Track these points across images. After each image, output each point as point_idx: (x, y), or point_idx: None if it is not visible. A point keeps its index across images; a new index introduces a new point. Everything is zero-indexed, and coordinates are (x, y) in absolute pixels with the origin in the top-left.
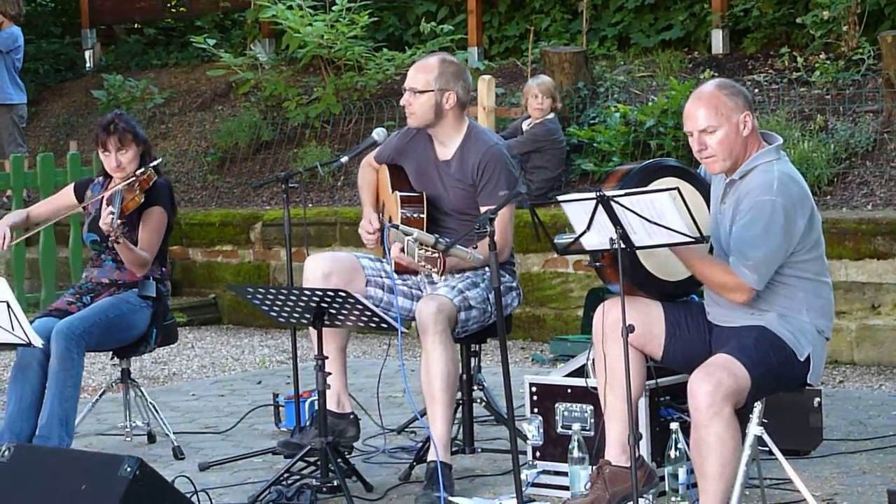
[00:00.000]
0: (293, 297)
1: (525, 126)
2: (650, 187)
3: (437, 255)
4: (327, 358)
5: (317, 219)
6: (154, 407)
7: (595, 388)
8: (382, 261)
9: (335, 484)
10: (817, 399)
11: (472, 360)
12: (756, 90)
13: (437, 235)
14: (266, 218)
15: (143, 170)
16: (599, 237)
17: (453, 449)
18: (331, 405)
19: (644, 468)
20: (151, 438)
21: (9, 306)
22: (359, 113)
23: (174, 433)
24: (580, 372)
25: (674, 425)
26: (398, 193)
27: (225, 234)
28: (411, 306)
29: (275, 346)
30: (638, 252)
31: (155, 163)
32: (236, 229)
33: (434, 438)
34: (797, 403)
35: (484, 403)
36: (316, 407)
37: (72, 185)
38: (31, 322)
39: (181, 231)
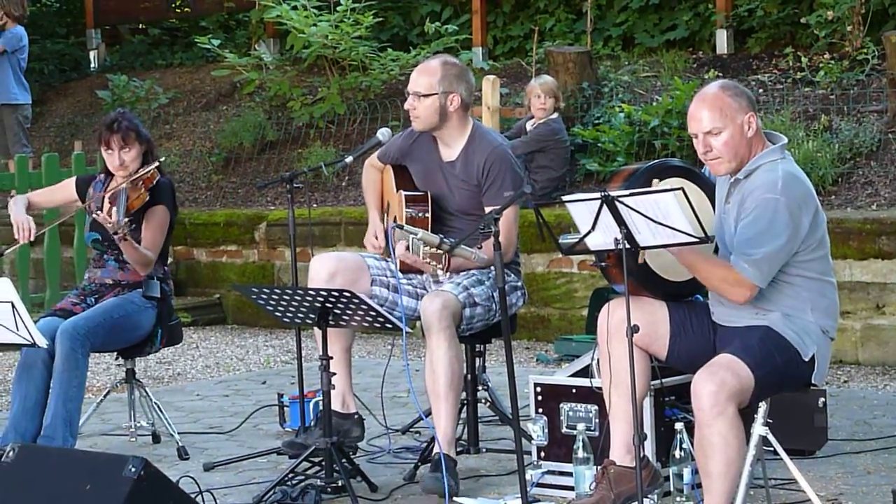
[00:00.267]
0: (298, 297)
1: (529, 126)
2: (655, 187)
3: (441, 254)
4: (332, 358)
5: (321, 219)
6: (158, 407)
7: (600, 388)
8: (387, 260)
9: (340, 484)
10: (822, 399)
11: (477, 360)
12: (760, 90)
13: (441, 235)
14: (270, 218)
15: (147, 168)
16: (604, 237)
17: (458, 449)
18: (336, 405)
19: (649, 468)
20: (156, 438)
21: (13, 306)
22: (363, 113)
23: (179, 433)
24: (585, 372)
25: (678, 425)
26: (403, 193)
27: (229, 234)
28: (416, 306)
29: (279, 346)
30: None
31: (158, 161)
32: (241, 229)
33: (438, 436)
34: (802, 403)
35: (489, 403)
36: (321, 407)
37: (73, 179)
38: (35, 322)
39: (186, 231)
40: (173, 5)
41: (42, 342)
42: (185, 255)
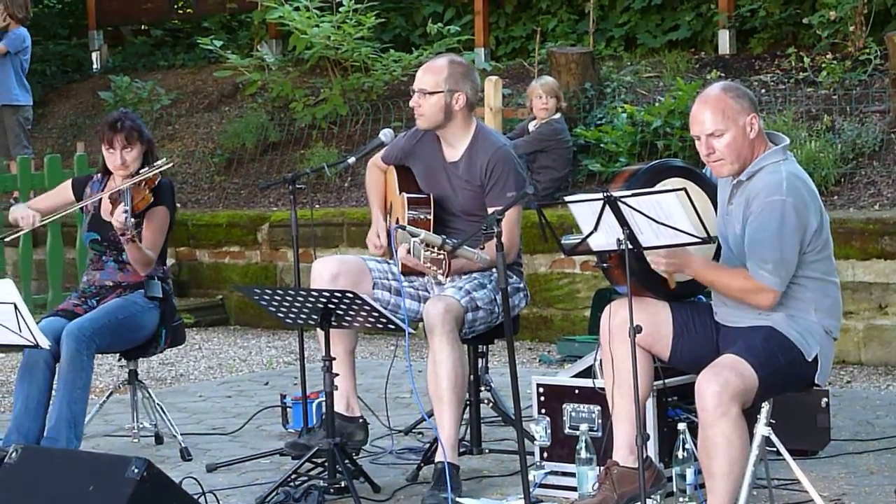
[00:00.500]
0: (300, 299)
1: (531, 127)
2: (657, 188)
3: (442, 256)
4: (335, 359)
5: (324, 220)
6: (161, 408)
7: (602, 389)
8: (389, 263)
9: (342, 485)
10: (825, 399)
11: (480, 360)
12: (763, 90)
13: (443, 237)
14: (273, 219)
15: (152, 170)
16: (606, 238)
17: (461, 450)
18: (339, 407)
19: (652, 469)
20: (159, 440)
21: (16, 307)
22: (366, 114)
23: (181, 434)
24: (587, 372)
25: (681, 426)
26: (405, 195)
27: (232, 235)
28: (418, 307)
29: (282, 347)
30: (645, 252)
31: (160, 162)
32: (243, 230)
33: (442, 439)
34: (805, 404)
35: (491, 404)
36: (323, 408)
37: (69, 181)
38: (37, 323)
39: (188, 232)
40: (175, 6)
41: (44, 343)
42: (187, 256)
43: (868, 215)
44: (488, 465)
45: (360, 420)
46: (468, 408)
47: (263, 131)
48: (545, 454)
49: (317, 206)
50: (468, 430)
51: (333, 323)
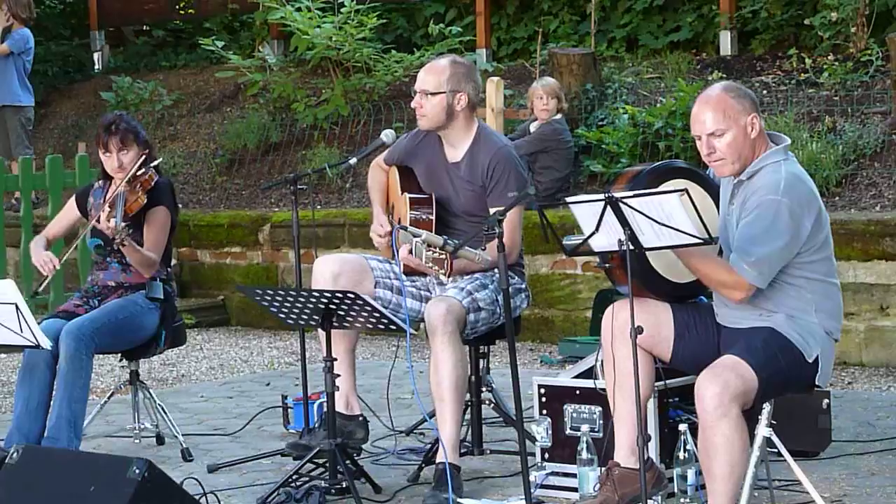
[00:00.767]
0: (302, 299)
1: (533, 128)
2: (659, 189)
3: (444, 256)
4: (336, 360)
5: (325, 220)
6: (162, 409)
7: (604, 390)
8: (391, 262)
9: (344, 485)
10: (826, 400)
11: (481, 361)
12: (764, 91)
13: (445, 237)
14: (275, 219)
15: (143, 170)
16: (608, 238)
17: (462, 450)
18: (339, 407)
19: (653, 470)
20: (160, 440)
21: (17, 308)
22: (367, 114)
23: (183, 435)
24: (589, 373)
25: (682, 427)
26: (407, 195)
27: (233, 235)
28: (420, 307)
29: (283, 347)
30: (647, 253)
31: (155, 163)
32: (245, 231)
33: (443, 440)
34: (806, 405)
35: (493, 405)
36: (325, 409)
37: (73, 199)
38: (38, 324)
39: (189, 233)
40: (177, 7)
41: (46, 343)
42: (189, 256)
43: (869, 216)
44: (489, 465)
45: (360, 418)
46: (469, 408)
47: (265, 132)
48: (546, 455)
49: (318, 206)
50: (469, 431)
51: (335, 323)
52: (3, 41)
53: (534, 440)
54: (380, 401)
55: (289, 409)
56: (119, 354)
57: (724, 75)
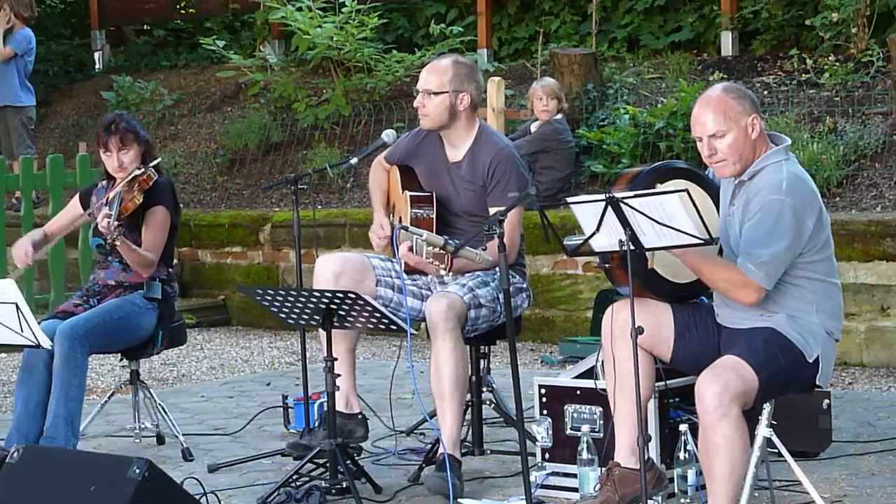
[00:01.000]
0: (302, 299)
1: (534, 128)
2: (660, 189)
3: (444, 252)
4: (336, 359)
5: (326, 220)
6: (163, 408)
7: (604, 390)
8: (392, 261)
9: (344, 485)
10: (826, 401)
11: (482, 361)
12: (765, 92)
13: (445, 237)
14: (275, 219)
15: (142, 169)
16: (609, 239)
17: (462, 451)
18: (339, 406)
19: (654, 470)
20: (160, 440)
21: (18, 308)
22: (368, 114)
23: (183, 435)
24: (589, 373)
25: (683, 427)
26: (408, 193)
27: (234, 235)
28: (421, 306)
29: (284, 347)
30: (647, 253)
31: (155, 162)
32: (246, 231)
33: (443, 436)
34: (806, 405)
35: (493, 405)
36: (325, 409)
37: (77, 196)
38: (38, 323)
39: (190, 232)
40: (178, 6)
41: (46, 343)
42: (189, 256)
43: (870, 217)
44: (490, 465)
45: (360, 416)
46: (470, 408)
47: (266, 132)
48: (547, 455)
49: (319, 206)
50: (470, 431)
51: (336, 323)
52: (5, 41)
53: (534, 440)
54: (381, 401)
55: (289, 409)
56: (119, 354)
57: (725, 76)
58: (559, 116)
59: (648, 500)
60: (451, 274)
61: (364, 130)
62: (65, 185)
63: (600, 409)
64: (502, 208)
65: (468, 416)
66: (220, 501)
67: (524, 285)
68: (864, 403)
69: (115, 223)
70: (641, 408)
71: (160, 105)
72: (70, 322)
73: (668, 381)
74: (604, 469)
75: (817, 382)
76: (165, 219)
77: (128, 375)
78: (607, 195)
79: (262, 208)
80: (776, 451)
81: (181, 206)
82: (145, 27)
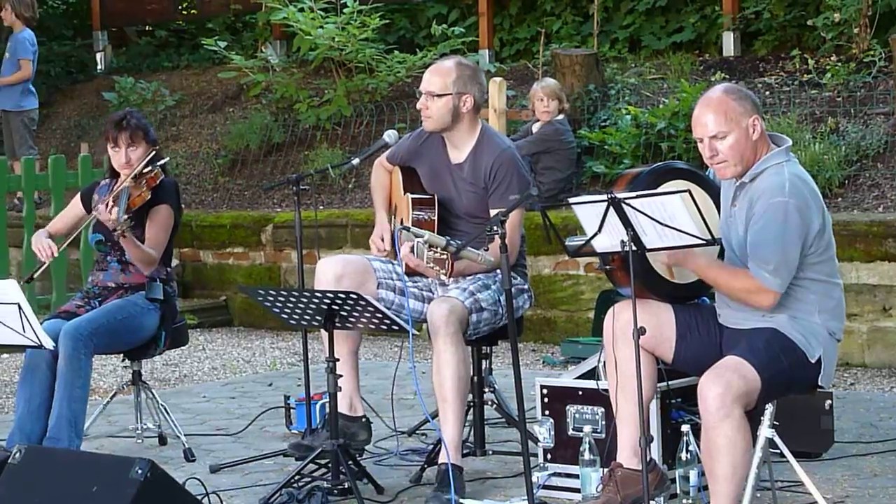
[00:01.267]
0: (304, 299)
1: (535, 129)
2: (661, 189)
3: (445, 257)
4: (339, 360)
5: (328, 221)
6: (165, 409)
7: (606, 391)
8: (394, 263)
9: (346, 486)
10: (828, 401)
11: (484, 362)
12: (767, 92)
13: (447, 238)
14: (277, 220)
15: (150, 167)
16: (610, 239)
17: (464, 451)
18: (343, 408)
19: (656, 471)
20: (162, 440)
21: (20, 308)
22: (370, 115)
23: (185, 435)
24: (591, 374)
25: (685, 428)
26: (410, 195)
27: (236, 236)
28: (422, 308)
29: (286, 348)
30: (648, 254)
31: (162, 162)
32: (247, 231)
33: (445, 440)
34: (808, 406)
35: (495, 406)
36: (327, 409)
37: (78, 196)
38: (40, 324)
39: (192, 233)
40: (180, 7)
41: (48, 343)
42: (191, 257)
43: (872, 217)
44: (492, 466)
45: (363, 419)
46: (472, 409)
47: (268, 132)
48: (549, 456)
49: (321, 207)
50: (472, 432)
51: (337, 324)
52: (7, 42)
53: (536, 441)
54: (382, 401)
55: (291, 410)
56: (121, 355)
57: (727, 76)
58: (560, 117)
59: (650, 501)
60: (451, 278)
61: (366, 131)
62: (66, 185)
63: (602, 409)
64: (504, 210)
65: (470, 417)
66: (221, 502)
67: (526, 286)
68: (866, 404)
69: (125, 216)
70: (643, 408)
71: (162, 106)
72: (74, 323)
73: (669, 382)
74: (606, 470)
75: (819, 383)
76: (169, 217)
77: (130, 376)
78: (609, 196)
79: (263, 209)
80: (778, 451)
81: (183, 207)
82: (147, 28)
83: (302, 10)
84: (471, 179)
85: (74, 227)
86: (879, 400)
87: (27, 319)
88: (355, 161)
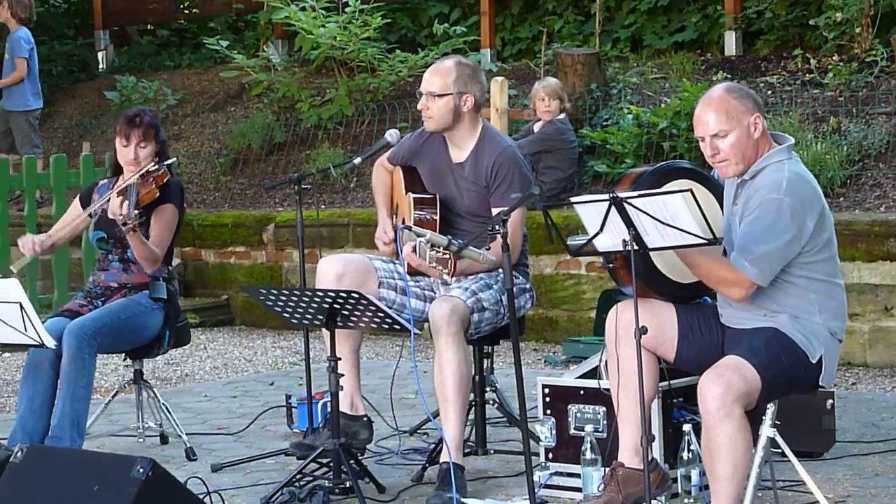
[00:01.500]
0: (306, 299)
1: (537, 128)
2: (663, 189)
3: (448, 256)
4: (340, 359)
5: (329, 220)
6: (166, 408)
7: (608, 390)
8: (395, 262)
9: (348, 485)
10: (830, 401)
11: (485, 361)
12: (769, 92)
13: (449, 237)
14: (279, 219)
15: (157, 166)
16: (612, 239)
17: (466, 450)
18: (344, 407)
19: (657, 470)
20: (164, 439)
21: (21, 307)
22: (371, 114)
23: (186, 434)
24: (593, 373)
25: (686, 427)
26: (411, 195)
27: (237, 235)
28: (424, 307)
29: (287, 347)
30: (651, 253)
31: (169, 161)
32: (249, 230)
33: (446, 440)
34: (810, 405)
35: (497, 405)
36: (329, 408)
37: (77, 199)
38: (42, 322)
39: (194, 232)
40: (181, 6)
41: (50, 343)
42: (193, 256)
43: (874, 217)
44: (493, 465)
45: (365, 419)
46: (473, 408)
47: (269, 132)
48: (550, 455)
49: (322, 206)
50: (473, 431)
51: (339, 323)
52: (3, 42)
53: (538, 440)
54: (384, 401)
55: (292, 409)
56: (123, 354)
57: (729, 76)
58: (562, 116)
59: (652, 501)
60: (453, 278)
61: (367, 130)
62: (68, 184)
63: (604, 408)
64: (506, 209)
65: (471, 416)
66: (223, 501)
67: (527, 285)
68: (867, 404)
69: (136, 211)
70: (645, 408)
71: (164, 105)
72: (78, 322)
73: (671, 381)
74: (607, 469)
75: (821, 383)
76: (174, 217)
77: (131, 375)
78: (611, 195)
79: (265, 208)
80: (780, 451)
81: (186, 207)
82: (149, 27)
83: (304, 9)
84: (472, 179)
85: (76, 233)
86: (881, 399)
87: (29, 318)
88: (357, 160)
